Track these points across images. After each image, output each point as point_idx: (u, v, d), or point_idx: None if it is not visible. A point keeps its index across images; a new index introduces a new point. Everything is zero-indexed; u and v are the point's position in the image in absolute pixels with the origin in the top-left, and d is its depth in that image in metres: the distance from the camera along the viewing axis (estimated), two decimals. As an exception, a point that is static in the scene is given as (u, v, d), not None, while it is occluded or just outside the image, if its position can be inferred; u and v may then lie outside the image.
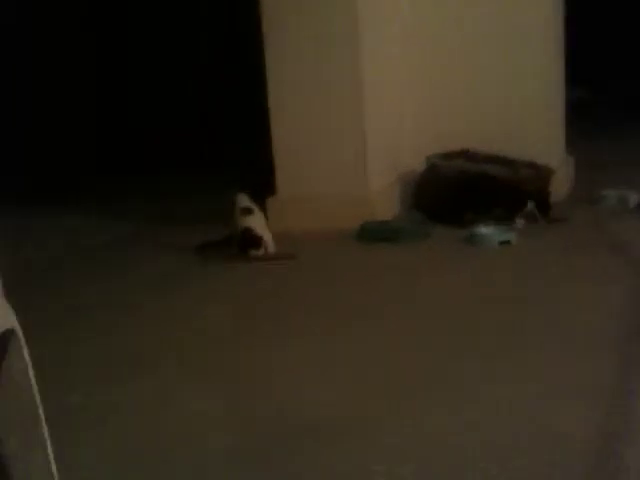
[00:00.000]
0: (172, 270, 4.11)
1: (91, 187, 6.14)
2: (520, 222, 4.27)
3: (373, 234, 4.29)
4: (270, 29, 4.43)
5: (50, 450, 1.18)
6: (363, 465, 2.13)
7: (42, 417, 1.17)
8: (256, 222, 4.18)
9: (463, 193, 4.41)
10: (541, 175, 4.46)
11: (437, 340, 2.98)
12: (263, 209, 4.34)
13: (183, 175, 6.10)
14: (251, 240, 4.12)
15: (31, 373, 1.15)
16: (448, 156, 4.55)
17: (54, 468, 1.19)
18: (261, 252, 4.11)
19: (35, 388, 1.16)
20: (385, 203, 4.51)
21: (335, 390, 2.60)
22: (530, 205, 4.31)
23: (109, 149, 6.99)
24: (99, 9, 7.25)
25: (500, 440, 2.19)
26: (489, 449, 2.14)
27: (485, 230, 4.16)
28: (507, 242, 4.08)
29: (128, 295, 3.77)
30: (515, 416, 2.33)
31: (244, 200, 4.25)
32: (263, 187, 4.58)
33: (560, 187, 4.55)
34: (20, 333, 1.15)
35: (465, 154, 4.55)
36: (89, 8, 7.21)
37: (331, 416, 2.41)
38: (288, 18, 4.43)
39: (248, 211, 4.22)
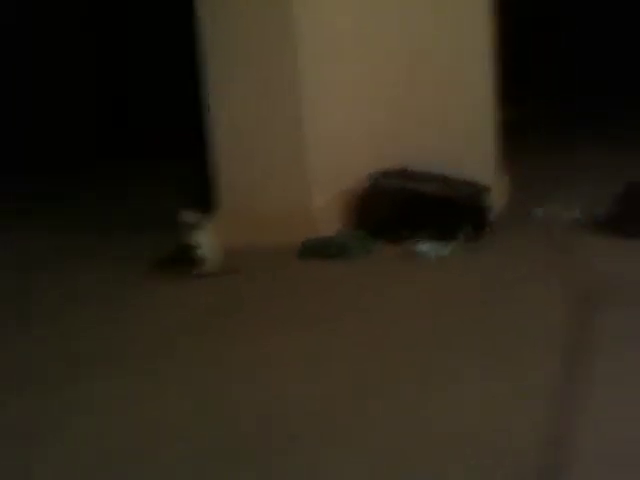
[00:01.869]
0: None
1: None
2: (458, 238, 4.34)
3: (315, 251, 4.25)
4: (206, 36, 4.35)
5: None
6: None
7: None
8: (199, 239, 4.12)
9: (401, 210, 4.44)
10: (476, 192, 4.53)
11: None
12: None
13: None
14: (186, 260, 4.09)
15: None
16: (388, 174, 4.58)
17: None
18: (195, 272, 4.06)
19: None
20: (327, 219, 4.46)
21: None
22: (462, 232, 4.38)
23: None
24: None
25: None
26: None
27: (423, 246, 4.19)
28: (444, 257, 4.13)
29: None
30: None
31: (188, 216, 4.16)
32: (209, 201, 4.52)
33: (494, 205, 4.62)
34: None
35: (404, 172, 4.60)
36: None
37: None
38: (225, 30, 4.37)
39: (191, 227, 4.15)
